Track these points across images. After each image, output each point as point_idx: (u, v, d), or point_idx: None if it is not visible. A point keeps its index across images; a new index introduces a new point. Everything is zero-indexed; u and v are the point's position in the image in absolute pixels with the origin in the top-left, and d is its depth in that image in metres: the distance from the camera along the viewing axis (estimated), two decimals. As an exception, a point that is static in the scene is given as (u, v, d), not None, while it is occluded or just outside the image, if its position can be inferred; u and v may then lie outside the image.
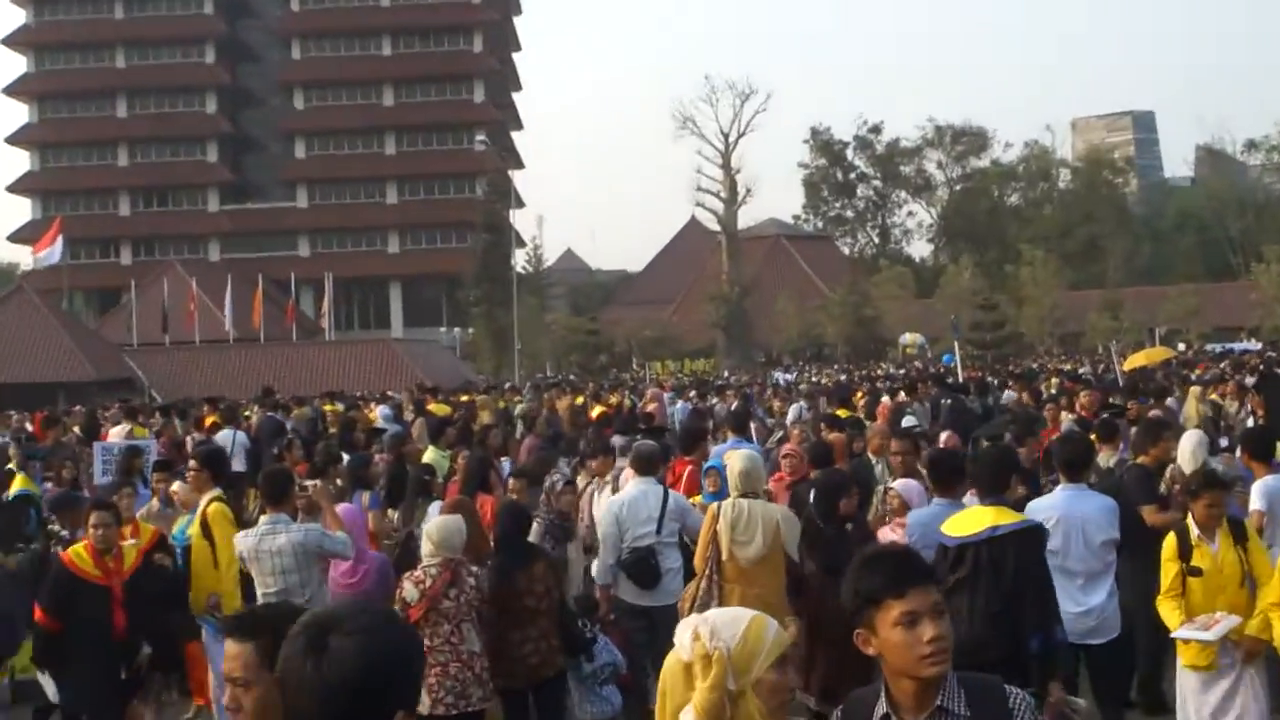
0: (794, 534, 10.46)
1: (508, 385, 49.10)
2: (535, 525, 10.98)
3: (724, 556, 10.23)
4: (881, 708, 4.12)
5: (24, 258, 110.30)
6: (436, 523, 9.52)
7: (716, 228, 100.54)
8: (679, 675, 3.91)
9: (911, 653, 4.00)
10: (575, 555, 10.94)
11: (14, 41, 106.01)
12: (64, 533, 12.61)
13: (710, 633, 3.86)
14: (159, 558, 10.75)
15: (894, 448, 12.15)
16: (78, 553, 10.09)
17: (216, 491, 11.66)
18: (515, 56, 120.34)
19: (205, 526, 11.29)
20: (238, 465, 25.90)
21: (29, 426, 28.74)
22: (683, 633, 3.92)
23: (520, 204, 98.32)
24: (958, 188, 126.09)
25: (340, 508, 10.97)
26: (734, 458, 11.08)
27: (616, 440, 16.76)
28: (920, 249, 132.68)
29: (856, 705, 4.24)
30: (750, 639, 3.87)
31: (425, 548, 9.28)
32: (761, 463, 11.31)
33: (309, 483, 11.81)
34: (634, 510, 11.03)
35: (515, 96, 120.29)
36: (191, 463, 12.57)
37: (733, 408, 24.40)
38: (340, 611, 3.30)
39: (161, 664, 10.67)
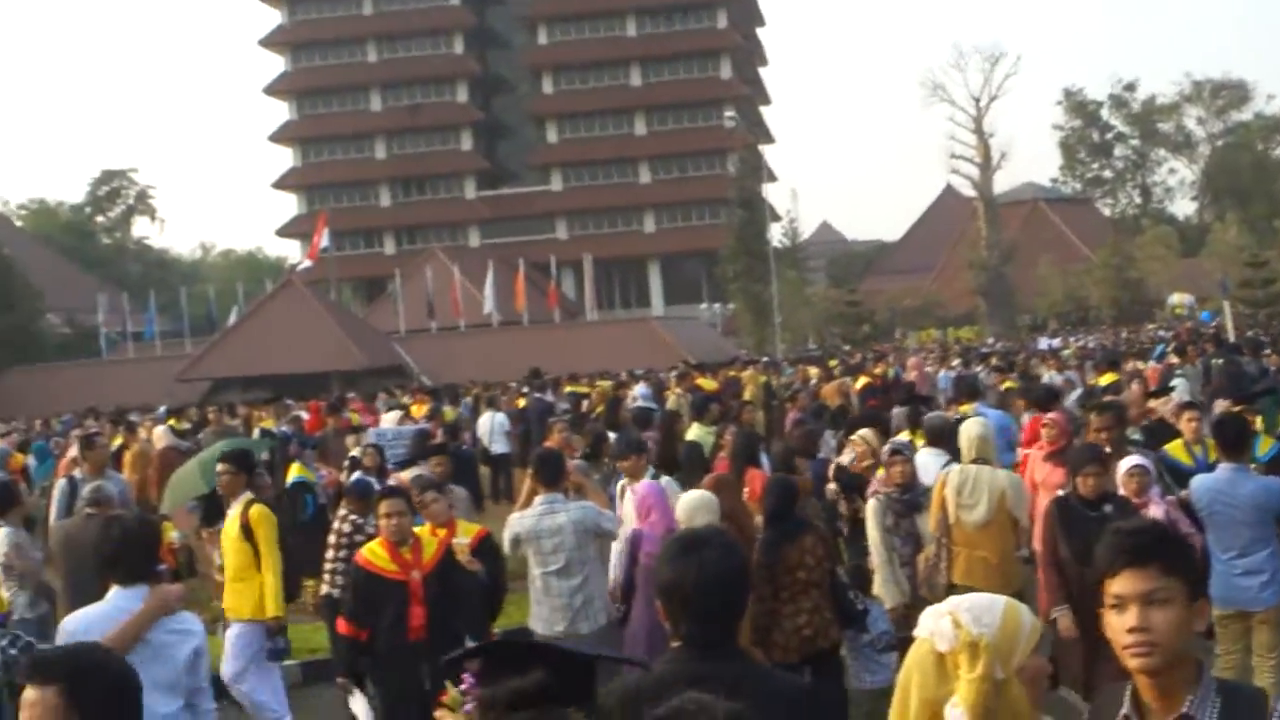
0: (1021, 500, 10.74)
1: (765, 360, 48.99)
2: (874, 503, 10.98)
3: (951, 520, 10.48)
4: (1125, 706, 3.75)
5: (292, 251, 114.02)
6: (684, 500, 9.80)
7: (972, 194, 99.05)
8: (931, 666, 3.65)
9: (1118, 640, 3.66)
10: (923, 528, 10.86)
11: (271, 42, 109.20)
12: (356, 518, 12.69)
13: (972, 619, 3.61)
14: (469, 560, 10.04)
15: (1095, 423, 11.66)
16: (373, 550, 9.50)
17: (250, 495, 11.72)
18: (760, 31, 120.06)
19: (247, 529, 11.30)
20: (500, 447, 26.47)
21: (304, 415, 29.63)
22: (938, 621, 3.65)
23: (773, 178, 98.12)
24: (1219, 143, 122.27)
25: (642, 484, 11.11)
26: (968, 424, 11.18)
27: (895, 412, 16.67)
28: (1184, 207, 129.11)
29: (1107, 700, 3.88)
30: (1009, 624, 3.63)
31: (682, 517, 9.48)
32: (993, 430, 11.32)
33: (572, 463, 11.96)
34: None
35: (762, 71, 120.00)
36: (220, 465, 12.60)
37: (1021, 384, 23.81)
38: (702, 534, 4.71)
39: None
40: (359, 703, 9.49)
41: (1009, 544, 10.63)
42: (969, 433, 10.86)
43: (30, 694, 3.97)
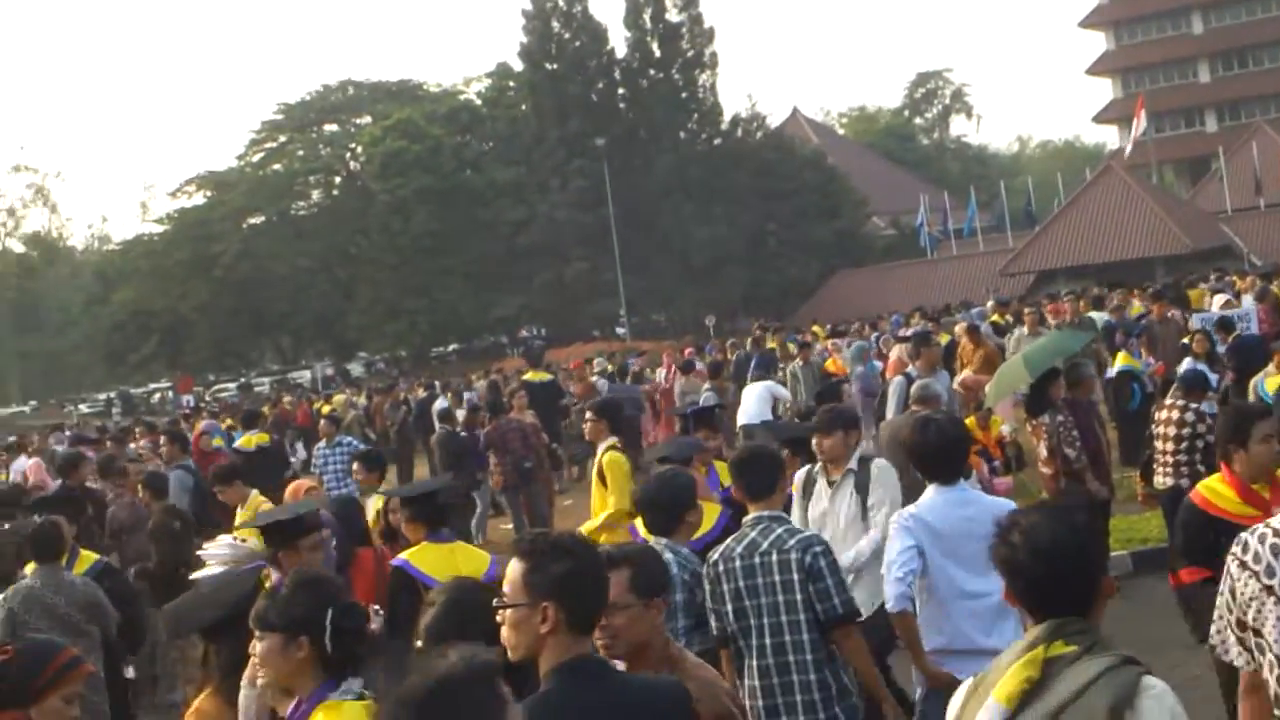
0: None
1: None
2: None
3: None
4: None
5: (1110, 137, 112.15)
6: None
7: None
8: None
9: None
10: None
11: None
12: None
13: None
14: None
15: None
16: (1212, 487, 7.48)
17: (612, 440, 11.82)
18: None
19: (601, 474, 11.48)
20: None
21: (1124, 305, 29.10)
22: None
23: None
24: None
25: None
26: None
27: None
28: None
29: None
30: None
31: None
32: None
33: None
34: None
35: None
36: (589, 413, 12.62)
37: None
38: None
39: None
40: None
41: None
42: None
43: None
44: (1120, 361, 18.15)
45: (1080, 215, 66.58)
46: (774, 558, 6.77)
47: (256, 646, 4.63)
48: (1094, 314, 26.06)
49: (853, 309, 58.00)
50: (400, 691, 3.18)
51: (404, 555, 8.28)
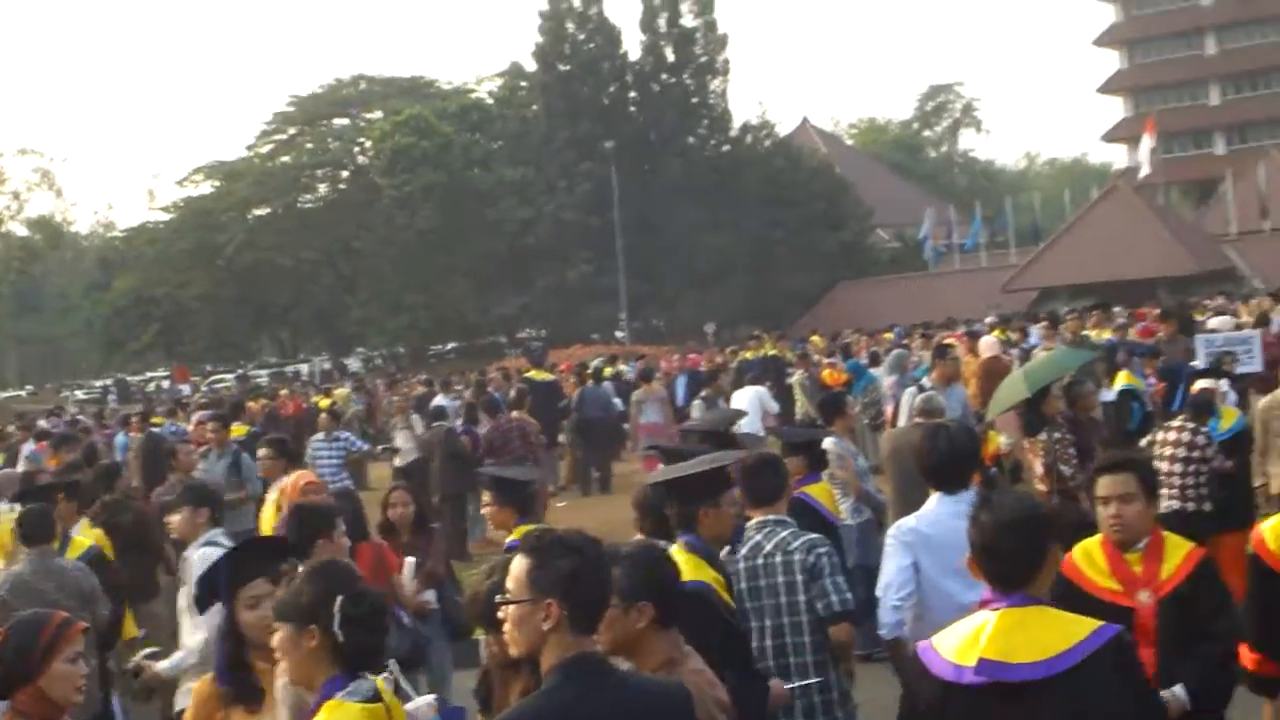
0: None
1: None
2: None
3: None
4: None
5: (1118, 157, 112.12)
6: None
7: None
8: None
9: None
10: None
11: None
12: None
13: None
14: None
15: None
16: (1086, 552, 6.23)
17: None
18: None
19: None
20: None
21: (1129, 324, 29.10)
22: None
23: None
24: None
25: None
26: None
27: None
28: None
29: None
30: None
31: None
32: None
33: None
34: None
35: None
36: (262, 451, 12.82)
37: None
38: None
39: None
40: None
41: None
42: None
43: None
44: (1122, 380, 18.09)
45: (1085, 233, 66.46)
46: (778, 559, 6.79)
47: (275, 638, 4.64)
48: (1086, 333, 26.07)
49: (852, 320, 57.81)
50: None
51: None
